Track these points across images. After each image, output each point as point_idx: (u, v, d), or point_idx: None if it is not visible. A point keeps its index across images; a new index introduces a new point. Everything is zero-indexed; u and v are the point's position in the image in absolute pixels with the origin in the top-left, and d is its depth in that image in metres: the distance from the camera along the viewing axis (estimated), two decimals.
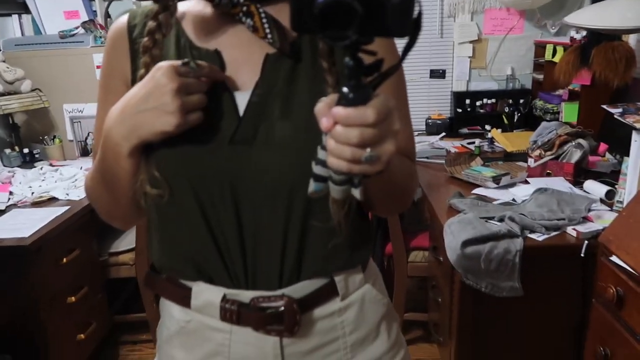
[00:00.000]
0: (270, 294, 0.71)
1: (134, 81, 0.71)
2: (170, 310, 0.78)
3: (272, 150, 0.67)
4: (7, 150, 2.56)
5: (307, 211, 0.69)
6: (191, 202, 0.69)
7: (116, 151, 0.67)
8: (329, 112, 0.49)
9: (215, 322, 0.73)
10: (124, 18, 0.74)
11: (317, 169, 0.54)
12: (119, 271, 2.30)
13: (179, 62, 0.64)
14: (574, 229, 1.58)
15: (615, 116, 1.63)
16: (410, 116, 0.81)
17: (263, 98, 0.68)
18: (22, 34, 2.80)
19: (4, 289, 1.76)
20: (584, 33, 2.13)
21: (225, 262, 0.72)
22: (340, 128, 0.48)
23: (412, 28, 0.46)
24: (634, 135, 1.58)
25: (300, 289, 0.72)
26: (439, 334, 1.98)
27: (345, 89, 0.48)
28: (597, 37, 1.94)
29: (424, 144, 2.69)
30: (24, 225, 1.82)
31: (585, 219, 1.64)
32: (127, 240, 2.33)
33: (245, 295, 0.72)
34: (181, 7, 0.73)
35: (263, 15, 0.67)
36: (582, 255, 1.52)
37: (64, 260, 1.92)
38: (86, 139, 2.72)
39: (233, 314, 0.71)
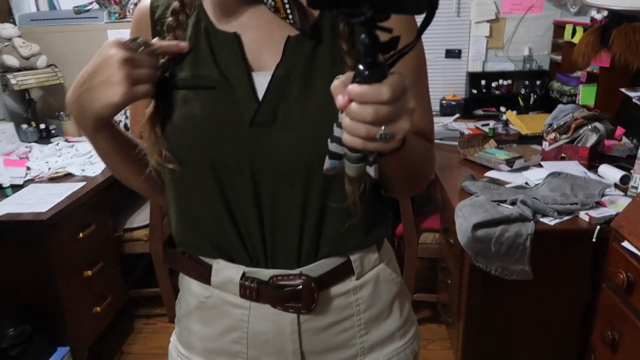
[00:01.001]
0: (288, 272, 0.73)
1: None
2: (189, 286, 0.80)
3: (291, 131, 0.68)
4: (24, 126, 2.59)
5: (325, 191, 0.70)
6: (210, 181, 0.71)
7: (83, 131, 0.71)
8: (344, 89, 0.49)
9: (235, 298, 0.75)
10: (147, 1, 0.76)
11: (332, 146, 0.55)
12: (134, 247, 2.34)
13: (126, 39, 0.65)
14: (586, 214, 1.57)
15: (633, 100, 1.60)
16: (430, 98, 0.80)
17: (283, 80, 0.68)
18: (38, 9, 2.81)
19: (23, 263, 1.81)
20: (605, 13, 2.07)
21: (244, 241, 0.73)
22: (355, 105, 0.48)
23: (428, 5, 0.46)
24: None
25: (317, 267, 0.74)
26: (448, 315, 2.00)
27: (360, 67, 0.48)
28: (619, 18, 1.89)
29: (437, 125, 2.67)
30: (41, 201, 1.86)
31: (599, 204, 1.63)
32: (142, 217, 2.37)
33: (265, 274, 0.74)
34: None
35: None
36: (593, 240, 1.52)
37: (80, 235, 1.96)
38: None
39: (253, 291, 0.73)
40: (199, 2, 0.72)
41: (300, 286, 0.73)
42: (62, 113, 2.72)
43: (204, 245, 0.76)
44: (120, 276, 2.32)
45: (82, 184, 2.02)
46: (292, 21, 0.68)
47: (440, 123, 2.70)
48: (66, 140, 2.57)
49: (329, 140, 0.55)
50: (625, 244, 1.37)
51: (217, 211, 0.72)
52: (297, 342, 0.76)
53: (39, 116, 2.70)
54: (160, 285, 2.39)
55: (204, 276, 0.77)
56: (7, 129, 2.49)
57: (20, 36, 2.57)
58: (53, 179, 2.09)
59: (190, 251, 0.79)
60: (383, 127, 0.49)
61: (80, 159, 2.27)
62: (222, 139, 0.69)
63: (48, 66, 2.61)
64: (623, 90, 1.66)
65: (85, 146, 2.41)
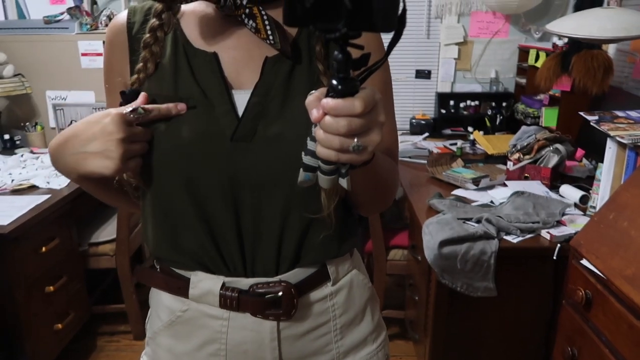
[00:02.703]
0: (268, 280, 0.75)
1: (132, 73, 0.73)
2: (163, 301, 0.80)
3: (270, 146, 0.70)
4: None
5: (302, 204, 0.72)
6: (190, 196, 0.72)
7: (64, 175, 0.73)
8: (318, 104, 0.51)
9: (213, 309, 0.75)
10: (124, 15, 0.76)
11: (306, 159, 0.57)
12: (99, 262, 2.29)
13: (127, 109, 0.67)
14: (547, 232, 1.62)
15: (591, 123, 1.67)
16: (395, 117, 0.83)
17: (262, 98, 0.70)
18: (6, 17, 2.76)
19: None
20: (566, 40, 2.17)
21: (223, 254, 0.74)
22: (329, 118, 0.51)
23: (397, 23, 0.48)
24: (609, 142, 1.63)
25: (295, 274, 0.76)
26: (415, 331, 2.02)
27: (334, 81, 0.50)
28: (578, 45, 1.99)
29: (407, 143, 2.73)
30: (3, 213, 1.81)
31: (559, 223, 1.68)
32: (108, 231, 2.32)
33: (244, 283, 0.75)
34: (183, 7, 0.75)
35: (265, 17, 0.69)
36: (554, 258, 1.57)
37: (43, 249, 1.91)
38: (69, 126, 2.70)
39: (233, 300, 0.74)
40: (176, 20, 0.74)
41: (281, 292, 0.74)
42: (27, 124, 2.66)
43: (182, 258, 0.76)
44: (85, 292, 2.26)
45: (47, 196, 1.98)
46: (272, 42, 0.70)
47: (410, 141, 2.76)
48: (31, 152, 2.51)
49: (302, 153, 0.57)
50: (584, 261, 1.42)
51: (196, 225, 0.73)
52: (277, 351, 0.77)
53: (4, 126, 2.63)
54: (125, 301, 2.34)
55: (180, 289, 0.77)
56: None
57: None
58: (16, 191, 2.04)
59: (167, 264, 0.79)
60: (356, 139, 0.51)
61: (46, 171, 2.21)
62: (203, 154, 0.70)
63: (15, 76, 2.56)
64: (582, 113, 1.73)
65: None
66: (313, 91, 0.53)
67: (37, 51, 2.61)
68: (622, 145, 1.59)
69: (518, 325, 1.70)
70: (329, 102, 0.50)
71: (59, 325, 2.00)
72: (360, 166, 0.57)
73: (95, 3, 2.82)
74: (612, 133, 1.58)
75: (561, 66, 2.07)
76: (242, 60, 0.73)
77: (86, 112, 2.67)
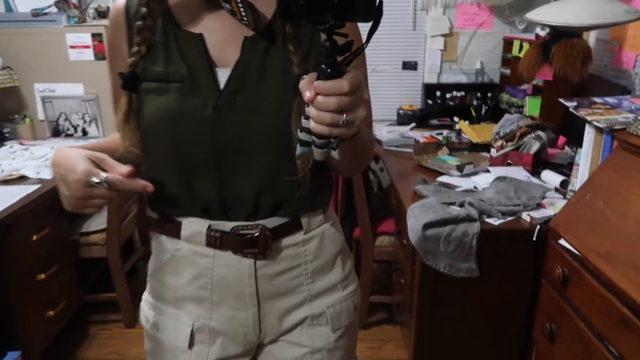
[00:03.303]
0: (248, 223, 0.86)
1: (130, 54, 0.83)
2: (161, 243, 0.92)
3: (249, 113, 0.80)
4: None
5: (277, 166, 0.83)
6: (176, 158, 0.83)
7: None
8: (310, 86, 0.59)
9: (201, 248, 0.87)
10: (121, 1, 0.86)
11: (302, 135, 0.65)
12: (90, 251, 2.32)
13: (94, 179, 0.74)
14: (528, 215, 1.67)
15: (570, 109, 1.72)
16: (369, 90, 0.90)
17: (242, 73, 0.81)
18: None
19: None
20: (548, 30, 2.22)
21: (208, 208, 0.86)
22: (320, 98, 0.59)
23: (375, 13, 0.57)
24: (587, 127, 1.68)
25: (272, 221, 0.87)
26: (402, 314, 2.07)
27: (323, 66, 0.59)
28: (559, 34, 2.03)
29: (394, 133, 2.77)
30: None
31: (539, 206, 1.74)
32: (98, 221, 2.35)
33: (227, 225, 0.86)
34: None
35: (239, 1, 0.78)
36: (534, 239, 1.62)
37: (34, 237, 1.93)
38: (58, 119, 2.71)
39: (217, 239, 0.86)
40: (165, 7, 0.83)
41: (257, 233, 0.86)
42: (16, 116, 2.67)
43: (172, 209, 0.88)
44: (75, 280, 2.28)
45: (37, 186, 2.00)
46: (246, 22, 0.79)
47: (397, 132, 2.80)
48: (20, 144, 2.52)
49: (298, 130, 0.65)
50: (562, 241, 1.47)
51: (183, 182, 0.85)
52: (254, 286, 0.88)
53: None
54: (116, 290, 2.37)
55: (174, 232, 0.88)
56: None
57: None
58: (6, 182, 2.06)
59: (162, 213, 0.90)
60: (344, 115, 0.59)
61: (35, 162, 2.23)
62: (188, 122, 0.80)
63: (3, 69, 2.56)
64: (561, 100, 1.78)
65: (40, 149, 2.37)
66: (304, 76, 0.61)
67: (25, 44, 2.62)
68: (599, 130, 1.64)
69: (500, 305, 1.75)
70: (320, 84, 0.58)
71: (51, 313, 2.03)
72: (349, 139, 0.65)
73: None
74: (589, 118, 1.63)
75: (542, 55, 2.11)
76: (224, 40, 0.82)
77: (75, 104, 2.68)
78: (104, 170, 0.75)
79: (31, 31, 2.62)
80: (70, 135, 2.72)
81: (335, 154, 0.64)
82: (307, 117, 0.62)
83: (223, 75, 0.81)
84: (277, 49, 0.81)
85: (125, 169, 0.75)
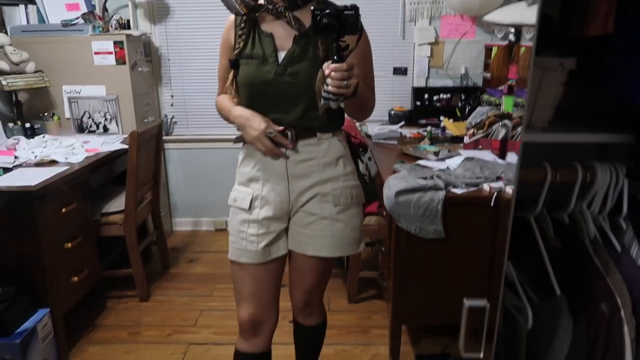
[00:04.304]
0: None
1: (234, 48, 1.45)
2: (243, 148, 1.54)
3: (293, 78, 1.39)
4: (10, 124, 2.86)
5: (307, 106, 1.41)
6: (255, 97, 1.44)
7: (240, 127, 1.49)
8: (327, 66, 1.19)
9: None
10: (232, 16, 1.48)
11: (324, 94, 1.22)
12: (110, 230, 2.61)
13: (269, 132, 1.42)
14: (488, 185, 1.93)
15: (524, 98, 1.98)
16: (374, 75, 1.51)
17: (292, 55, 1.40)
18: (28, 22, 3.12)
19: (12, 230, 2.06)
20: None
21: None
22: (333, 73, 1.18)
23: (359, 30, 1.21)
24: None
25: (298, 131, 1.44)
26: (383, 280, 2.31)
27: (335, 57, 1.18)
28: (520, 37, 2.31)
29: (385, 130, 3.05)
30: (30, 178, 2.13)
31: (499, 179, 1.99)
32: (117, 204, 2.64)
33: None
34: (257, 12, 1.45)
35: (291, 16, 1.41)
36: (492, 205, 1.87)
37: (63, 210, 2.22)
38: (82, 117, 3.04)
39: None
40: (254, 19, 1.44)
41: (288, 132, 1.43)
42: (46, 114, 3.00)
43: None
44: (96, 254, 2.56)
45: (66, 167, 2.30)
46: (295, 28, 1.41)
47: (387, 129, 3.07)
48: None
49: (322, 91, 1.23)
50: None
51: (259, 112, 1.44)
52: (285, 168, 1.46)
53: (25, 117, 2.97)
54: (132, 266, 2.65)
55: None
56: None
57: (11, 44, 2.87)
58: (39, 165, 2.36)
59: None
60: (345, 82, 1.18)
61: (64, 149, 2.54)
62: (261, 82, 1.41)
63: (36, 72, 2.91)
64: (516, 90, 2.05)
65: (68, 140, 2.69)
66: (326, 62, 1.20)
67: (55, 51, 2.97)
68: None
69: (465, 262, 1.98)
70: (332, 66, 1.18)
71: (75, 278, 2.31)
72: (351, 96, 1.22)
73: (106, 9, 3.18)
74: None
75: (508, 56, 2.39)
76: (284, 37, 1.42)
77: (97, 104, 3.01)
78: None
79: (61, 39, 2.97)
80: (93, 132, 3.04)
81: (342, 105, 1.26)
82: (327, 84, 1.19)
83: (281, 56, 1.41)
84: (311, 44, 1.39)
85: (279, 129, 1.41)
